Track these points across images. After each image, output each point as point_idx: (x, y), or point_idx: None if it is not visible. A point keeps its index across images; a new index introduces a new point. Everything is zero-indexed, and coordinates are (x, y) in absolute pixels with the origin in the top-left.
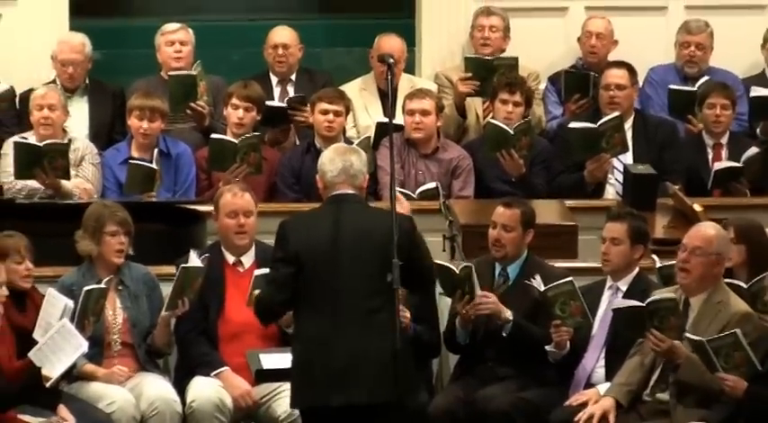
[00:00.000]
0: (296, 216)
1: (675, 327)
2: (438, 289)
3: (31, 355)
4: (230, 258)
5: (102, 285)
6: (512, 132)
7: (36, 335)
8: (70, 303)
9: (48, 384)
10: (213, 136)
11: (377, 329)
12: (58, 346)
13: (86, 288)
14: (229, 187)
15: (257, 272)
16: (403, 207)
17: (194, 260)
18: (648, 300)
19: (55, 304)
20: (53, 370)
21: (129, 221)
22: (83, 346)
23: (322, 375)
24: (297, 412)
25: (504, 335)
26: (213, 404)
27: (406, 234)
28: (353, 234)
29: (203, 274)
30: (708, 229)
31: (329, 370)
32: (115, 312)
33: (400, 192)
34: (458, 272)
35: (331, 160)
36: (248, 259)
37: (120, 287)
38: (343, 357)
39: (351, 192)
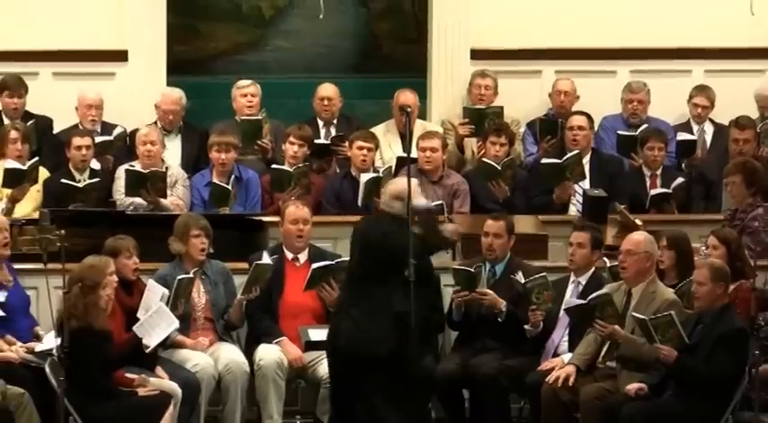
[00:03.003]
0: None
1: (613, 314)
2: (444, 281)
3: (135, 328)
4: (289, 255)
5: (191, 275)
6: (499, 168)
7: (139, 314)
8: (166, 292)
9: (147, 351)
10: (274, 166)
11: (382, 305)
12: (155, 322)
13: (179, 277)
14: (293, 201)
15: (314, 265)
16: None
17: (266, 258)
18: (589, 297)
19: (155, 292)
20: (151, 340)
21: (208, 227)
22: (174, 323)
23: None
24: None
25: (499, 320)
26: (275, 363)
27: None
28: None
29: (272, 269)
30: (636, 236)
31: (357, 333)
32: (200, 295)
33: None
34: (473, 269)
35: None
36: (303, 256)
37: (203, 276)
38: (368, 326)
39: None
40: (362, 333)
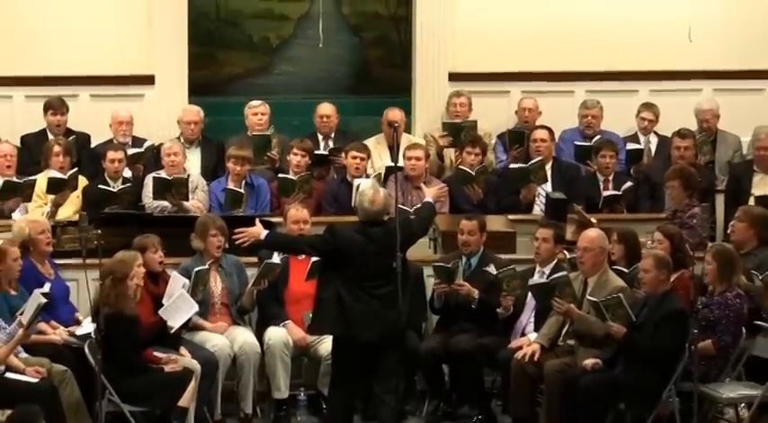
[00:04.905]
0: (340, 226)
1: (570, 294)
2: (426, 272)
3: (160, 312)
4: None
5: (206, 267)
6: (474, 174)
7: (164, 300)
8: (187, 281)
9: (171, 332)
10: (280, 175)
11: (386, 298)
12: (178, 307)
13: (196, 269)
14: (294, 205)
15: (314, 259)
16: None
17: (275, 258)
18: (551, 277)
19: (178, 281)
20: (174, 322)
21: (224, 227)
22: (194, 307)
23: (351, 322)
24: None
25: (473, 307)
26: (282, 342)
27: (407, 218)
28: (375, 241)
29: (279, 267)
30: (591, 233)
31: (356, 319)
32: (217, 283)
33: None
34: (450, 265)
35: (367, 200)
36: None
37: (220, 268)
38: (366, 313)
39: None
40: (379, 322)
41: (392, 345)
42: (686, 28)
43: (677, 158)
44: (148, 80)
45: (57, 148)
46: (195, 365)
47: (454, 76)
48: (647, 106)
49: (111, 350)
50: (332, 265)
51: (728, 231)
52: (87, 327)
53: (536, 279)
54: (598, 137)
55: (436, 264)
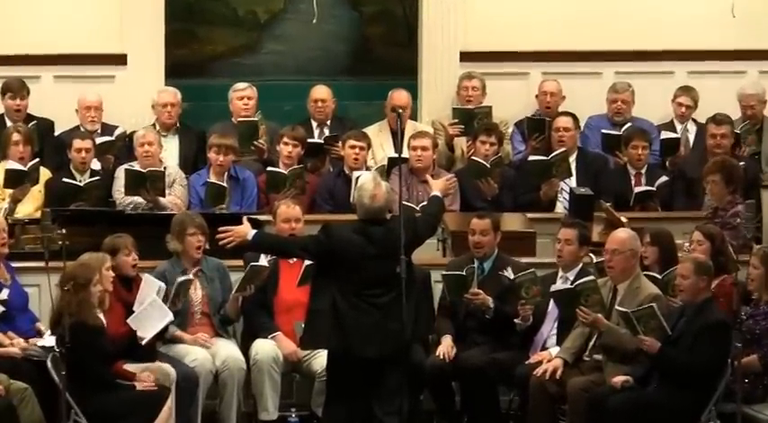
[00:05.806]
0: (337, 226)
1: (597, 302)
2: (435, 277)
3: (129, 321)
4: None
5: (190, 277)
6: (488, 166)
7: (135, 308)
8: (163, 285)
9: (142, 343)
10: (269, 169)
11: (388, 307)
12: (150, 315)
13: (179, 279)
14: (285, 201)
15: (307, 262)
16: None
17: (263, 260)
18: (576, 282)
19: (151, 286)
20: (145, 333)
21: (204, 225)
22: (168, 315)
23: (348, 335)
24: None
25: (487, 317)
26: (270, 357)
27: (411, 216)
28: (375, 243)
29: (267, 271)
30: (621, 233)
31: (353, 331)
32: (196, 290)
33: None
34: (464, 272)
35: (367, 196)
36: None
37: (200, 272)
38: (365, 324)
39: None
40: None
41: (395, 360)
42: (729, 1)
43: (713, 148)
44: (120, 60)
45: (16, 137)
46: (169, 371)
47: (466, 56)
48: (686, 90)
49: (76, 365)
50: (327, 269)
51: None
52: (50, 338)
53: (559, 285)
54: (629, 125)
55: (446, 273)
